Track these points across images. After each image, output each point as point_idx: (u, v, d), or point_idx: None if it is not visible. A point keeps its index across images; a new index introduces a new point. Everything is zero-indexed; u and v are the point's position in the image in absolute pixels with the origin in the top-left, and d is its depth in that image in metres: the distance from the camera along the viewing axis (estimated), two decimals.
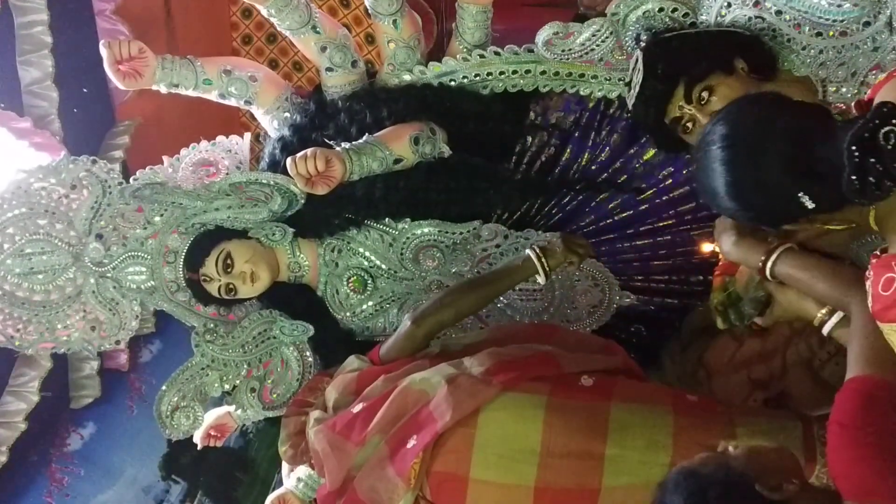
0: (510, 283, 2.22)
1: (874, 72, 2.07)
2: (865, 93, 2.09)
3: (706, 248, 2.32)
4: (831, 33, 2.06)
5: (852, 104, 1.58)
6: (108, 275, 2.43)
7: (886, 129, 1.32)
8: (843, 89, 2.12)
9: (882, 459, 1.39)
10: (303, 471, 2.40)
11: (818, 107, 1.52)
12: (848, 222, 1.55)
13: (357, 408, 1.99)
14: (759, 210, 1.51)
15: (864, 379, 1.52)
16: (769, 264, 1.69)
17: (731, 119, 1.50)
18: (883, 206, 1.44)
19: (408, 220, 2.42)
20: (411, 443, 1.86)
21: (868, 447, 1.40)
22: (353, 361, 2.20)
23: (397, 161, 2.33)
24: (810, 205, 1.40)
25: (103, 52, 2.31)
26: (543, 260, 2.12)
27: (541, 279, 2.14)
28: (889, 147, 1.31)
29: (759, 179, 1.44)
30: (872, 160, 1.31)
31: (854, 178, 1.33)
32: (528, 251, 2.15)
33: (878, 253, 1.49)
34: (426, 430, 1.86)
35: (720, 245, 1.80)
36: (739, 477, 1.40)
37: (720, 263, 2.12)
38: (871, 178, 1.32)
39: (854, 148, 1.32)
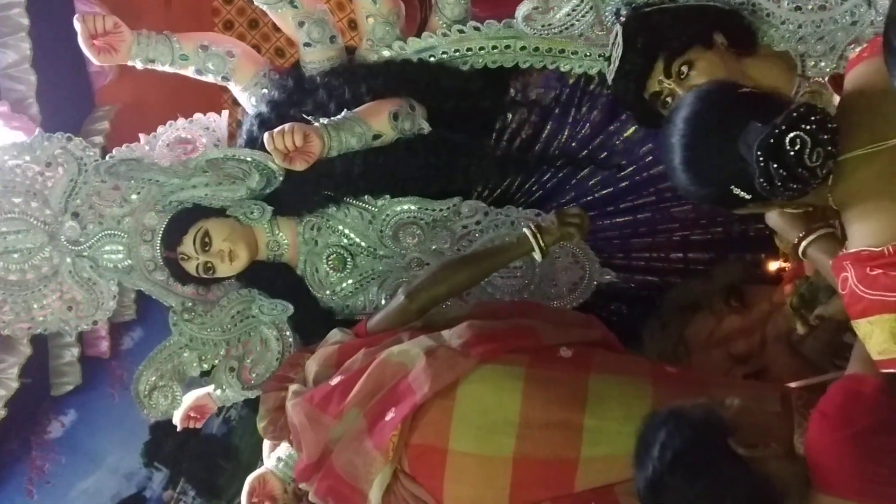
0: (505, 261, 2.19)
1: (852, 46, 2.08)
2: (844, 67, 2.10)
3: (772, 266, 2.32)
4: (810, 7, 2.07)
5: (826, 80, 1.60)
6: (85, 254, 2.41)
7: (793, 134, 1.35)
8: (822, 63, 2.12)
9: (855, 457, 1.41)
10: (283, 451, 2.39)
11: (750, 100, 1.51)
12: (804, 206, 1.58)
13: (335, 381, 1.98)
14: (707, 199, 1.54)
15: (857, 377, 1.56)
16: (803, 244, 1.72)
17: (681, 113, 1.51)
18: (840, 191, 1.47)
19: (387, 196, 2.40)
20: (389, 415, 1.85)
21: (844, 442, 1.42)
22: (335, 334, 2.19)
23: (376, 137, 2.31)
24: (745, 196, 1.43)
25: (77, 26, 2.29)
26: (539, 237, 2.10)
27: (538, 256, 2.11)
28: (793, 153, 1.34)
29: (697, 172, 1.48)
30: (776, 165, 1.34)
31: (762, 180, 1.36)
32: (524, 229, 2.12)
33: (844, 251, 1.51)
34: (404, 402, 1.85)
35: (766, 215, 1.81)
36: (717, 426, 1.42)
37: (786, 273, 2.17)
38: (776, 182, 1.35)
39: (759, 153, 1.35)
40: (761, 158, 1.35)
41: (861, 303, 1.46)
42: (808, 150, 1.35)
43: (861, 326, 1.48)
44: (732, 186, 1.43)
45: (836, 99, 1.59)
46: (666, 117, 1.57)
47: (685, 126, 1.49)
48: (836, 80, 1.61)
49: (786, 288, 2.15)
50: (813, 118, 1.36)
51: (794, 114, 1.36)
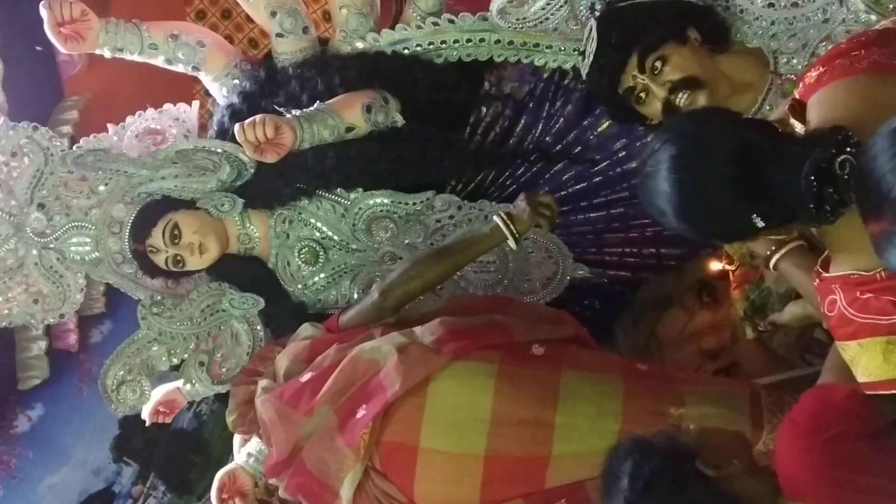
0: (478, 252, 2.15)
1: (824, 43, 2.10)
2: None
3: (714, 266, 2.34)
4: (783, 4, 2.09)
5: (786, 106, 1.60)
6: (51, 246, 2.36)
7: (842, 157, 1.34)
8: (794, 60, 2.14)
9: (823, 465, 1.42)
10: (253, 446, 2.37)
11: (765, 125, 1.53)
12: (790, 231, 1.59)
13: (306, 377, 1.96)
14: (707, 230, 1.52)
15: (829, 386, 1.58)
16: (775, 257, 1.74)
17: (679, 140, 1.49)
18: None
19: (360, 190, 2.37)
20: (361, 413, 1.84)
21: (812, 450, 1.43)
22: (306, 329, 2.17)
23: (349, 129, 2.29)
24: (761, 224, 1.42)
25: (44, 12, 2.24)
26: (511, 225, 2.06)
27: (512, 244, 2.07)
28: (845, 176, 1.33)
29: (708, 202, 1.44)
30: (830, 190, 1.33)
31: (812, 205, 1.35)
32: (494, 218, 2.09)
33: (820, 270, 1.52)
34: (376, 399, 1.84)
35: None
36: (683, 451, 1.45)
37: (734, 277, 2.18)
38: (827, 206, 1.34)
39: (813, 178, 1.34)
40: (815, 183, 1.33)
41: (851, 326, 1.46)
42: (854, 172, 1.33)
43: (849, 349, 1.49)
44: (754, 215, 1.41)
45: (798, 126, 1.59)
46: (654, 150, 1.50)
47: (698, 161, 1.45)
48: (796, 108, 1.62)
49: (733, 293, 2.18)
50: (852, 141, 1.35)
51: (839, 136, 1.35)
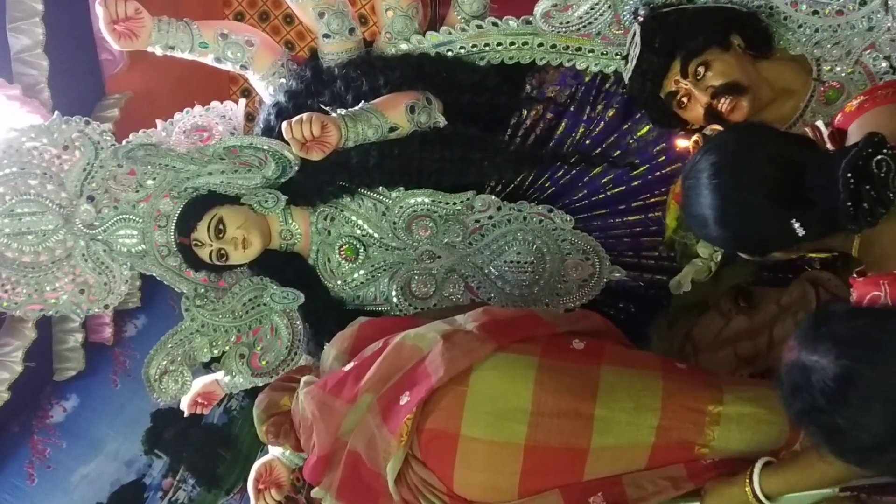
0: None
1: (868, 51, 2.11)
2: (860, 72, 2.13)
3: (681, 143, 2.34)
4: (827, 11, 2.10)
5: (826, 135, 1.62)
6: (99, 238, 2.41)
7: (878, 157, 1.38)
8: (838, 68, 2.15)
9: None
10: None
11: (803, 138, 1.58)
12: (830, 250, 1.60)
13: (349, 366, 1.98)
14: (747, 238, 1.55)
15: None
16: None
17: (720, 147, 1.52)
18: (867, 233, 1.49)
19: (401, 189, 2.41)
20: (404, 399, 1.86)
21: None
22: (360, 320, 2.21)
23: (392, 129, 2.32)
24: (801, 231, 1.44)
25: (99, 10, 2.29)
26: None
27: None
28: (881, 175, 1.37)
29: (747, 206, 1.48)
30: (867, 187, 1.37)
31: (849, 204, 1.38)
32: None
33: (856, 276, 1.53)
34: (420, 385, 1.85)
35: None
36: None
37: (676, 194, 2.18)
38: (864, 205, 1.38)
39: (850, 175, 1.37)
40: (852, 181, 1.37)
41: None
42: (892, 174, 1.38)
43: None
44: (794, 220, 1.44)
45: None
46: (697, 160, 1.55)
47: (738, 164, 1.50)
48: (834, 137, 1.64)
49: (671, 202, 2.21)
50: (888, 144, 1.39)
51: (875, 138, 1.38)
